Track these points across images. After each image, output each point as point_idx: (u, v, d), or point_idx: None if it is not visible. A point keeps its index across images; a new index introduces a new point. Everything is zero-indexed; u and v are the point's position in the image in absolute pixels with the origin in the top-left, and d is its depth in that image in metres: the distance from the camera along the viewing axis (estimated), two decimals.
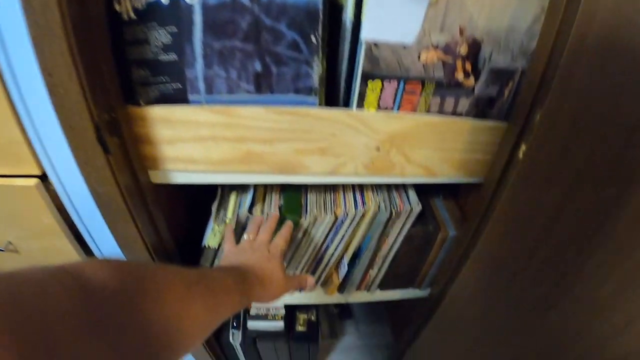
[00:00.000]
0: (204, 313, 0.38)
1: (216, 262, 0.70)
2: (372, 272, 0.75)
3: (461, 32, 0.45)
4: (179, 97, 0.49)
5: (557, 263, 0.51)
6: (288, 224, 0.63)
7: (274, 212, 0.64)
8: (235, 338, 0.93)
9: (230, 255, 0.58)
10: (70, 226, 0.61)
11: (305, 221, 0.62)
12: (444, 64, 0.47)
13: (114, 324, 0.27)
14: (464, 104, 0.52)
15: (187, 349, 0.36)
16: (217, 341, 0.93)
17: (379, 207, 0.63)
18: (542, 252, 0.51)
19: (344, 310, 1.34)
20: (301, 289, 0.62)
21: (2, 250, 0.63)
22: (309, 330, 0.98)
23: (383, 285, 0.81)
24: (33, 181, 0.53)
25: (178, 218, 0.75)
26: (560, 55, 0.39)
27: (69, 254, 0.64)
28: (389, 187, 0.69)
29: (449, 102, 0.51)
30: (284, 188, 0.67)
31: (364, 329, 1.30)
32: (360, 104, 0.50)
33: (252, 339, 0.94)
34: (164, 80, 0.47)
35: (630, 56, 0.38)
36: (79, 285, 0.26)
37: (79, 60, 0.39)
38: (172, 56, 0.46)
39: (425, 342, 0.88)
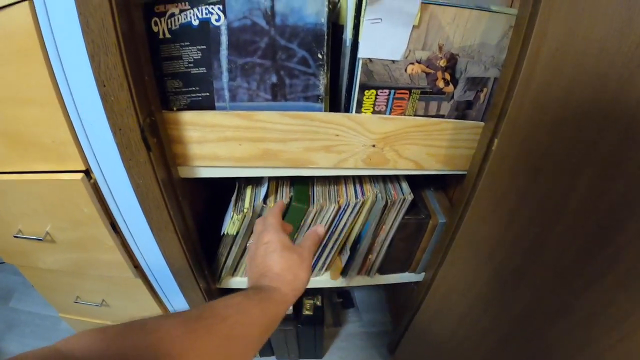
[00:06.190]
0: (217, 345, 0.37)
1: (234, 248, 0.79)
2: (372, 257, 0.85)
3: (440, 48, 0.55)
4: (207, 104, 0.58)
5: (526, 237, 0.60)
6: (277, 204, 0.62)
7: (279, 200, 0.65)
8: None
9: (250, 273, 0.55)
10: (107, 215, 0.69)
11: (312, 210, 0.72)
12: (427, 75, 0.57)
13: None
14: (446, 107, 0.61)
15: None
16: None
17: (376, 196, 0.72)
18: (512, 229, 0.60)
19: (346, 300, 1.43)
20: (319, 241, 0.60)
21: (40, 240, 0.71)
22: (315, 314, 1.08)
23: (382, 270, 0.90)
24: (79, 175, 0.61)
25: (198, 209, 0.84)
26: (521, 65, 0.48)
27: (103, 241, 0.71)
28: (384, 179, 0.78)
29: (433, 106, 0.61)
30: (293, 182, 0.76)
31: (366, 318, 1.39)
32: (359, 109, 0.59)
33: None
34: (194, 90, 0.57)
35: (576, 64, 0.47)
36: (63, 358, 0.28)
37: (129, 72, 0.47)
38: (202, 70, 0.55)
39: (419, 326, 0.95)
